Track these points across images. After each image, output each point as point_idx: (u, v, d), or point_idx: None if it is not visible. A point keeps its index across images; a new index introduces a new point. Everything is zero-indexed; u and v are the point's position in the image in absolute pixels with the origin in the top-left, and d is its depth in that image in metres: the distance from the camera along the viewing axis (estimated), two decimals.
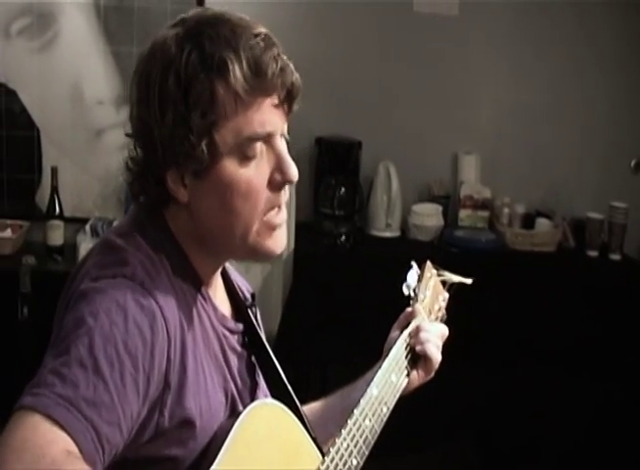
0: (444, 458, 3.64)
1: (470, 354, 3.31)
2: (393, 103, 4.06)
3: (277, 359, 1.46)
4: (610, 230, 3.89)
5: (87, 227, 3.71)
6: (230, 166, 1.27)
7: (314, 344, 3.56)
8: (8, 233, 3.72)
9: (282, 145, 1.31)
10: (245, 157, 1.27)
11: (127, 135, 1.33)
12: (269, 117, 1.28)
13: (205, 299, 1.35)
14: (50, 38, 3.82)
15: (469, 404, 3.51)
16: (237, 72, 1.23)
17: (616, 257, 3.88)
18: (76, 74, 3.86)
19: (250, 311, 1.47)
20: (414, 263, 1.74)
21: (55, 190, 3.68)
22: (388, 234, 3.97)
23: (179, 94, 1.24)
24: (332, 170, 3.94)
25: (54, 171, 3.69)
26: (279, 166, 1.30)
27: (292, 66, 1.30)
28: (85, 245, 3.57)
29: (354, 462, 1.36)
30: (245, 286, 1.54)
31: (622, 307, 3.70)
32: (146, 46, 1.30)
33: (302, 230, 3.71)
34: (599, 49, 4.06)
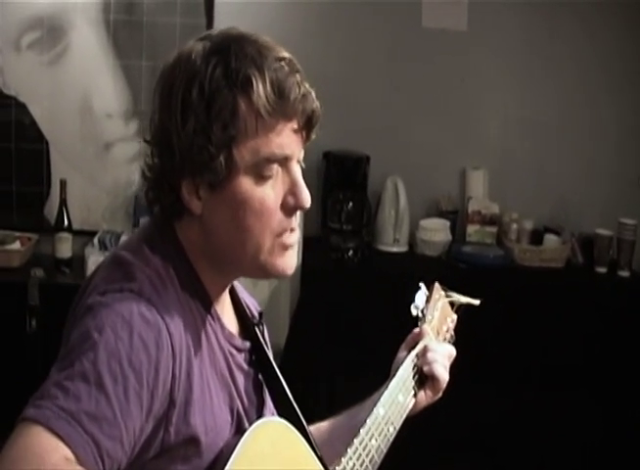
0: None
1: (476, 371, 3.29)
2: (402, 118, 4.06)
3: (284, 373, 1.45)
4: (618, 246, 3.87)
5: (95, 240, 3.71)
6: (245, 184, 1.27)
7: (322, 358, 3.55)
8: (17, 246, 3.72)
9: (297, 170, 1.32)
10: (261, 176, 1.27)
11: (146, 141, 1.33)
12: (288, 140, 1.29)
13: (212, 316, 1.34)
14: (60, 52, 3.83)
15: (474, 422, 3.49)
16: (260, 91, 1.24)
17: (624, 273, 3.86)
18: (86, 88, 3.88)
19: (257, 330, 1.46)
20: (422, 285, 1.74)
21: (64, 203, 3.68)
22: (395, 249, 3.97)
23: (202, 105, 1.25)
24: (340, 185, 3.94)
25: (63, 184, 3.69)
26: (293, 191, 1.30)
27: (314, 94, 1.31)
28: (94, 258, 3.57)
29: None
30: (253, 304, 1.54)
31: (631, 324, 3.69)
32: (170, 57, 1.31)
33: (310, 245, 3.71)
34: (608, 64, 4.06)
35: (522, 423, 3.59)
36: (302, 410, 1.44)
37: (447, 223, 3.97)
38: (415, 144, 4.06)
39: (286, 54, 1.30)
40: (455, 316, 1.82)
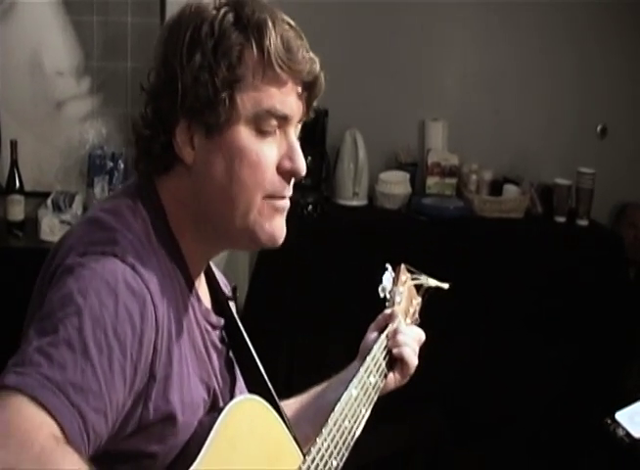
0: (415, 428, 3.63)
1: (438, 323, 3.29)
2: (360, 71, 4.00)
3: (245, 331, 1.42)
4: (577, 196, 3.89)
5: (48, 202, 3.63)
6: (244, 134, 1.25)
7: (282, 315, 3.54)
8: None
9: (295, 136, 1.31)
10: (260, 131, 1.25)
11: (142, 88, 1.29)
12: (290, 101, 1.27)
13: (191, 291, 1.30)
14: (6, 7, 3.72)
15: (438, 373, 3.49)
16: (272, 39, 1.24)
17: (583, 222, 3.88)
18: (35, 45, 3.77)
19: (230, 305, 1.43)
20: (389, 266, 1.72)
21: (15, 164, 3.61)
22: (355, 203, 3.94)
23: (210, 44, 1.23)
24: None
25: (13, 145, 3.62)
26: (289, 155, 1.28)
27: (318, 63, 1.30)
28: (47, 220, 3.51)
29: (334, 463, 1.34)
30: (223, 281, 1.50)
31: (590, 272, 3.71)
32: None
33: None
34: (566, 14, 4.03)
35: (482, 372, 3.61)
36: (264, 366, 1.42)
37: (407, 176, 3.95)
38: (373, 97, 4.01)
39: (291, 22, 1.29)
40: (420, 299, 1.81)
